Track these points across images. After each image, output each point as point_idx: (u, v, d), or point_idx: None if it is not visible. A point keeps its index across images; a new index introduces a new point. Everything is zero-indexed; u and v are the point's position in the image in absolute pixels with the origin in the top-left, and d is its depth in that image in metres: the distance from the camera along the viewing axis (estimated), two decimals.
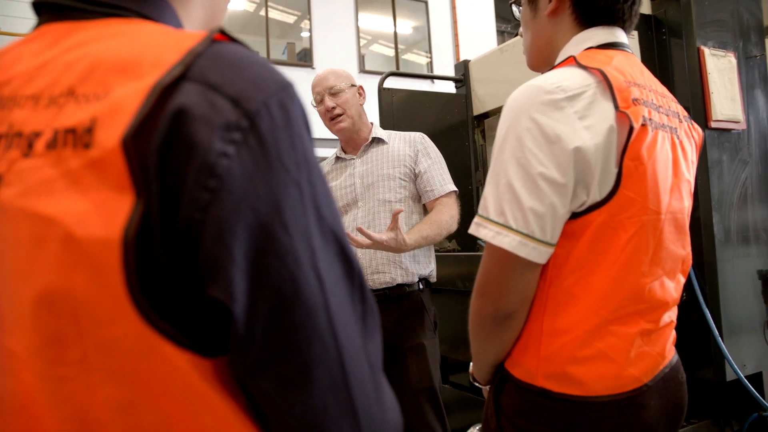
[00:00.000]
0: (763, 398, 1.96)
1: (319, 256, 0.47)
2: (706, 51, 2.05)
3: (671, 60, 2.32)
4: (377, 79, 3.34)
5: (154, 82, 0.44)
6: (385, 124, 3.35)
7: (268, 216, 0.45)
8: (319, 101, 2.12)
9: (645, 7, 2.46)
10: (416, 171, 2.09)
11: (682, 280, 1.02)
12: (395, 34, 9.16)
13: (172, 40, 0.48)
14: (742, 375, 1.88)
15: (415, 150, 2.11)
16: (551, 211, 0.86)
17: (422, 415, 1.98)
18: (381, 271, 2.02)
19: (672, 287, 0.97)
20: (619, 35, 1.02)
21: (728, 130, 2.05)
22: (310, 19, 8.27)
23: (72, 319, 0.45)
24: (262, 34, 8.09)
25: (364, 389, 0.50)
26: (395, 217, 1.81)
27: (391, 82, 3.22)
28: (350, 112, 2.10)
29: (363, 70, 8.46)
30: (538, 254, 0.87)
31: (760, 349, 2.01)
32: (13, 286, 0.46)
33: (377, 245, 1.82)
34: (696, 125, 1.08)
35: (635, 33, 2.42)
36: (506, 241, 0.87)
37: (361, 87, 2.18)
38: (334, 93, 2.09)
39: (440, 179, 2.09)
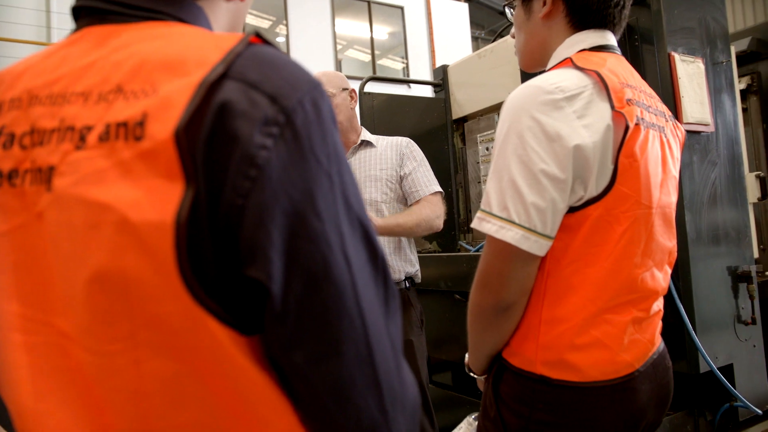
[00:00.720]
0: (735, 389, 2.04)
1: (347, 241, 0.51)
2: (677, 57, 2.13)
3: (644, 65, 2.40)
4: (355, 84, 3.37)
5: (200, 79, 0.48)
6: (366, 127, 3.40)
7: (302, 203, 0.49)
8: None
9: None
10: (401, 173, 2.14)
11: (669, 270, 1.07)
12: (372, 39, 9.21)
13: (212, 41, 0.52)
14: (714, 367, 1.96)
15: (400, 154, 2.17)
16: (552, 205, 0.90)
17: (426, 406, 2.03)
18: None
19: (661, 277, 1.02)
20: (609, 38, 1.07)
21: (698, 133, 2.13)
22: (286, 25, 8.27)
23: (122, 297, 0.48)
24: None
25: (387, 365, 0.54)
26: None
27: (370, 87, 3.26)
28: (341, 116, 2.15)
29: None
30: (539, 247, 0.91)
31: (730, 342, 2.10)
32: (67, 269, 0.50)
33: None
34: (679, 125, 1.14)
35: None
36: (509, 234, 0.90)
37: (353, 90, 2.23)
38: None
39: (425, 180, 2.14)
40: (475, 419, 1.38)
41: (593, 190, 0.92)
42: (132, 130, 0.48)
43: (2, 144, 0.54)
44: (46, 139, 0.52)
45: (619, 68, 1.00)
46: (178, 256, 0.46)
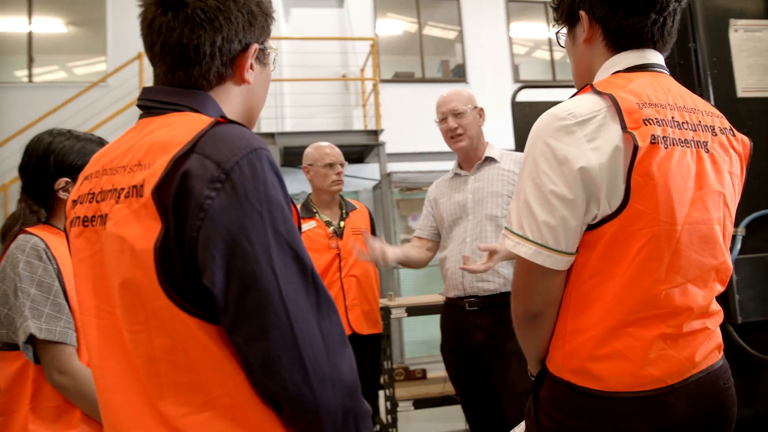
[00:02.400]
0: None
1: (275, 258, 0.73)
2: None
3: None
4: (532, 89, 3.37)
5: (173, 155, 0.74)
6: (520, 139, 3.39)
7: (237, 233, 0.72)
8: (442, 120, 2.30)
9: None
10: None
11: (719, 288, 1.04)
12: (549, 40, 8.95)
13: (194, 126, 0.78)
14: None
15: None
16: (563, 223, 0.97)
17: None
18: (484, 279, 2.13)
19: (699, 295, 1.00)
20: (650, 56, 1.09)
21: None
22: (462, 34, 8.45)
23: (137, 296, 0.75)
24: (419, 53, 8.45)
25: (313, 349, 0.73)
26: (491, 256, 1.88)
27: (535, 96, 3.23)
28: (470, 133, 2.26)
29: (517, 80, 8.39)
30: (554, 262, 0.98)
31: None
32: (112, 278, 0.78)
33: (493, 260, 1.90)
34: (742, 137, 1.10)
35: None
36: (524, 250, 1.00)
37: (481, 109, 2.33)
38: (457, 114, 2.25)
39: None
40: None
41: (606, 209, 0.97)
42: (138, 191, 0.75)
43: (89, 200, 0.85)
44: (106, 197, 0.81)
45: (647, 87, 1.02)
46: (157, 270, 0.72)
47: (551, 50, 8.95)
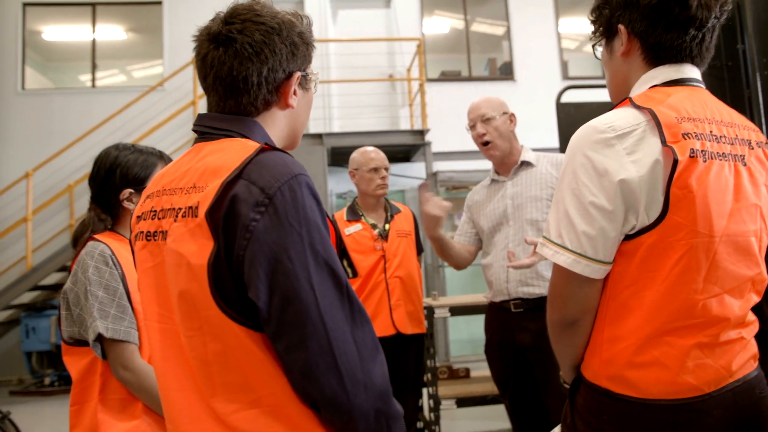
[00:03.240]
0: None
1: (313, 275, 0.81)
2: None
3: None
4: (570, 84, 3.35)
5: (223, 180, 0.84)
6: (564, 140, 3.37)
7: (278, 252, 0.81)
8: (471, 126, 2.33)
9: None
10: None
11: (755, 298, 1.06)
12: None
13: (242, 152, 0.87)
14: None
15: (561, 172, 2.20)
16: (602, 234, 1.00)
17: None
18: (530, 284, 2.16)
19: (736, 305, 1.02)
20: (687, 71, 1.10)
21: None
22: (509, 31, 8.38)
23: (192, 305, 0.85)
24: (465, 51, 8.43)
25: (347, 357, 0.81)
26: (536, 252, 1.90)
27: (584, 95, 3.20)
28: (499, 139, 2.27)
29: (566, 77, 8.27)
30: (592, 270, 1.02)
31: None
32: (172, 288, 0.89)
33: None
34: None
35: None
36: (562, 259, 1.03)
37: (512, 115, 2.34)
38: (485, 120, 2.28)
39: None
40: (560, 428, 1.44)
41: (645, 220, 0.99)
42: (194, 211, 0.85)
43: (151, 217, 0.95)
44: (166, 215, 0.91)
45: (685, 102, 1.03)
46: (210, 284, 0.82)
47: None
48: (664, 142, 0.97)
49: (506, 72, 8.33)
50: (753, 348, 1.08)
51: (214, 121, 0.96)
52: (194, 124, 0.99)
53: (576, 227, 1.01)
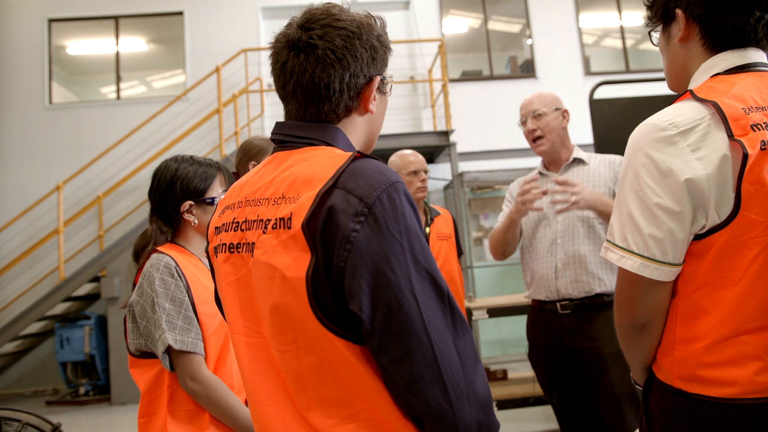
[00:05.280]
0: None
1: (415, 285, 0.78)
2: None
3: None
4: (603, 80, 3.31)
5: (318, 190, 0.81)
6: (599, 137, 3.31)
7: (381, 263, 0.78)
8: (523, 122, 2.30)
9: None
10: (615, 191, 2.13)
11: None
12: (621, 29, 8.65)
13: (333, 161, 0.85)
14: None
15: (614, 172, 2.19)
16: (670, 236, 0.96)
17: (624, 420, 2.03)
18: (580, 280, 2.13)
19: None
20: (752, 56, 1.04)
21: None
22: (529, 28, 8.32)
23: (287, 319, 0.82)
24: (485, 50, 8.38)
25: (451, 368, 0.78)
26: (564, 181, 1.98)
27: (612, 90, 3.14)
28: (551, 135, 2.24)
29: (589, 73, 8.19)
30: (661, 273, 0.98)
31: None
32: (262, 301, 0.86)
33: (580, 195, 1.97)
34: None
35: None
36: (629, 263, 1.00)
37: (565, 111, 2.30)
38: (536, 116, 2.24)
39: None
40: None
41: (715, 218, 0.95)
42: (286, 223, 0.82)
43: (233, 228, 0.92)
44: (251, 227, 0.88)
45: (753, 90, 0.98)
46: (309, 297, 0.79)
47: (623, 38, 8.65)
48: (731, 135, 0.92)
49: (528, 70, 8.28)
50: None
51: (294, 129, 0.94)
52: (273, 133, 0.98)
53: (642, 230, 0.98)
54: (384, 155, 3.31)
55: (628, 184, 1.01)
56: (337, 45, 0.91)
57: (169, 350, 1.38)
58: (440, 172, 7.37)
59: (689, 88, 1.07)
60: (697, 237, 0.98)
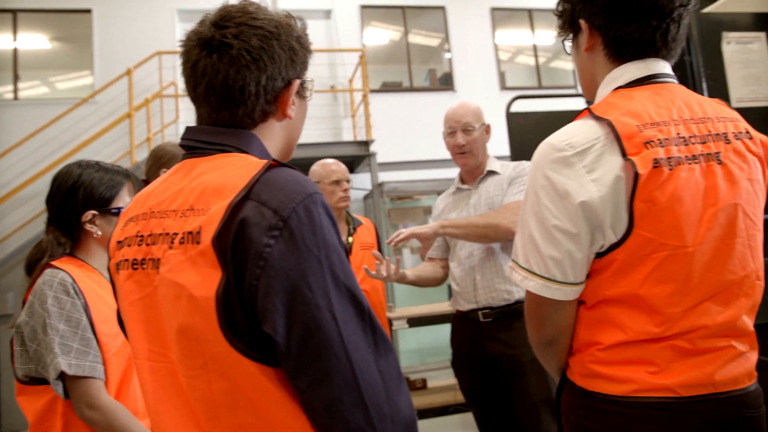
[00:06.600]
0: None
1: (334, 303, 0.73)
2: None
3: None
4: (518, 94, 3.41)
5: (229, 202, 0.74)
6: (516, 150, 3.41)
7: (296, 280, 0.72)
8: (450, 133, 2.29)
9: None
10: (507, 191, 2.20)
11: (746, 303, 1.01)
12: (534, 47, 9.04)
13: (246, 170, 0.78)
14: None
15: (510, 177, 2.24)
16: (568, 257, 0.98)
17: (541, 426, 2.06)
18: (498, 289, 2.16)
19: (718, 312, 0.98)
20: (654, 67, 1.04)
21: None
22: (448, 42, 8.52)
23: (195, 342, 0.75)
24: (405, 62, 8.49)
25: (373, 390, 0.74)
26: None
27: (527, 104, 3.23)
28: (477, 150, 2.27)
29: (504, 87, 8.47)
30: (562, 294, 1.00)
31: None
32: (169, 322, 0.78)
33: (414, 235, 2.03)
34: (761, 138, 1.05)
35: (762, 35, 2.30)
36: (531, 284, 1.01)
37: (488, 126, 2.34)
38: (467, 130, 2.25)
39: (515, 191, 2.17)
40: None
41: (612, 237, 0.97)
42: (195, 237, 0.75)
43: (137, 243, 0.84)
44: (157, 241, 0.81)
45: (649, 104, 0.99)
46: (219, 317, 0.72)
47: (536, 56, 9.04)
48: (624, 155, 0.93)
49: (446, 83, 8.46)
50: (749, 363, 1.02)
51: (206, 134, 0.87)
52: (182, 138, 0.90)
53: (542, 251, 0.99)
54: (304, 165, 3.25)
55: (530, 204, 1.02)
56: (254, 45, 0.85)
57: (63, 376, 1.25)
58: (360, 182, 7.36)
59: (596, 99, 1.09)
60: (599, 255, 0.99)
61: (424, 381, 4.22)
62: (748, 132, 1.03)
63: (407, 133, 7.64)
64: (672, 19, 1.02)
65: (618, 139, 0.94)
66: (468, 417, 3.73)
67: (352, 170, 7.34)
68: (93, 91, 7.08)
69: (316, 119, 7.41)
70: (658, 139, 0.95)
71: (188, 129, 0.90)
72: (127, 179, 1.47)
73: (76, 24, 7.60)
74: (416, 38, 8.89)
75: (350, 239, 2.75)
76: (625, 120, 0.96)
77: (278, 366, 0.75)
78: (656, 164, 0.93)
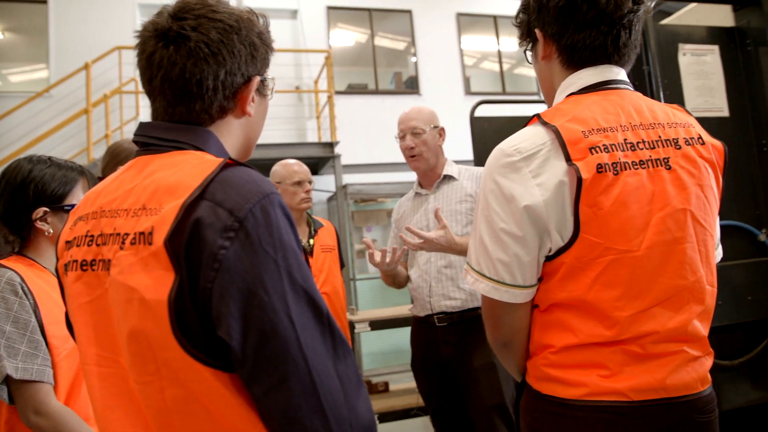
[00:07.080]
0: None
1: (291, 306, 0.71)
2: None
3: (760, 68, 2.25)
4: (483, 99, 3.47)
5: (182, 201, 0.71)
6: (479, 154, 3.45)
7: (252, 283, 0.70)
8: (401, 137, 2.31)
9: (728, 20, 2.40)
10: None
11: (696, 308, 1.01)
12: (499, 53, 9.17)
13: (201, 168, 0.75)
14: None
15: (478, 186, 2.24)
16: (516, 260, 1.00)
17: (495, 431, 2.08)
18: (453, 297, 2.17)
19: (668, 317, 0.98)
20: (607, 73, 1.06)
21: None
22: (414, 46, 8.55)
23: (147, 347, 0.72)
24: (371, 64, 8.49)
25: (331, 395, 0.72)
26: (439, 216, 1.94)
27: (491, 109, 3.27)
28: (427, 153, 2.27)
29: (469, 92, 8.56)
30: (512, 296, 1.02)
31: None
32: (119, 326, 0.75)
33: (429, 243, 1.93)
34: (714, 143, 1.05)
35: (715, 48, 2.37)
36: (482, 286, 1.03)
37: (442, 129, 2.34)
38: (415, 133, 2.27)
39: None
40: None
41: (559, 241, 0.98)
42: (147, 238, 0.72)
43: (87, 243, 0.80)
44: (107, 241, 0.77)
45: (597, 110, 1.00)
46: (171, 322, 0.69)
47: (500, 62, 9.17)
48: (568, 160, 0.95)
49: (412, 86, 8.49)
50: (702, 368, 1.02)
51: (160, 130, 0.84)
52: (135, 134, 0.86)
53: (491, 254, 1.01)
54: (266, 165, 3.20)
55: (480, 208, 1.04)
56: (212, 38, 0.82)
57: (7, 380, 1.20)
58: (324, 184, 7.32)
59: (552, 106, 1.10)
60: (548, 258, 1.01)
61: (386, 384, 4.21)
62: (700, 137, 1.04)
63: (372, 136, 7.64)
64: (622, 25, 1.04)
65: (563, 144, 0.96)
66: (429, 420, 3.75)
67: (316, 172, 7.30)
68: (48, 84, 6.85)
69: (281, 120, 7.35)
70: (604, 145, 0.96)
71: (142, 125, 0.87)
72: (82, 176, 1.42)
73: (31, 15, 7.35)
74: (382, 41, 8.91)
75: (311, 241, 2.73)
76: (570, 126, 0.98)
77: (234, 371, 0.73)
78: (600, 169, 0.94)
